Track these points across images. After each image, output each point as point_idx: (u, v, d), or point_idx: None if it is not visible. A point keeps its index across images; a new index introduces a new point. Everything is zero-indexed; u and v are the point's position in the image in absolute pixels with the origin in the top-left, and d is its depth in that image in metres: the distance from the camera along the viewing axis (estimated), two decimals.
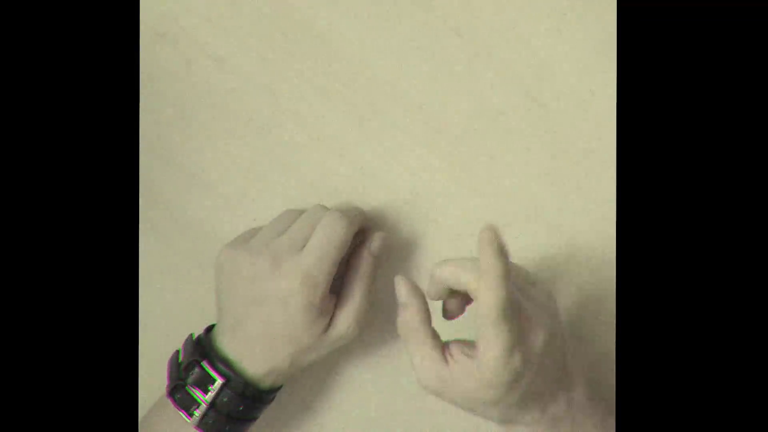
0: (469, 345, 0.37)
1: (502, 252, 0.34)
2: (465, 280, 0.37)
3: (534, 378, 0.36)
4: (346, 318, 0.41)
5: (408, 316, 0.38)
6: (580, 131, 0.44)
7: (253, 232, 0.43)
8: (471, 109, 0.45)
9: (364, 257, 0.43)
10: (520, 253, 0.45)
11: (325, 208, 0.43)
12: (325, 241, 0.40)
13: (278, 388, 0.43)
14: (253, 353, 0.40)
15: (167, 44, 0.45)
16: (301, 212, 0.43)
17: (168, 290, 0.45)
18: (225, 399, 0.39)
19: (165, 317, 0.45)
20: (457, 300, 0.40)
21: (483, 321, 0.35)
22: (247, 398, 0.40)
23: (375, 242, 0.43)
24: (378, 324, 0.46)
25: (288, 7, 0.45)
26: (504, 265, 0.34)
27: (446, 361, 0.37)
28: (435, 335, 0.38)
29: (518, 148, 0.45)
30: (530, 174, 0.45)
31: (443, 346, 0.37)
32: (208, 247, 0.45)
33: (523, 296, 0.37)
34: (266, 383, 0.41)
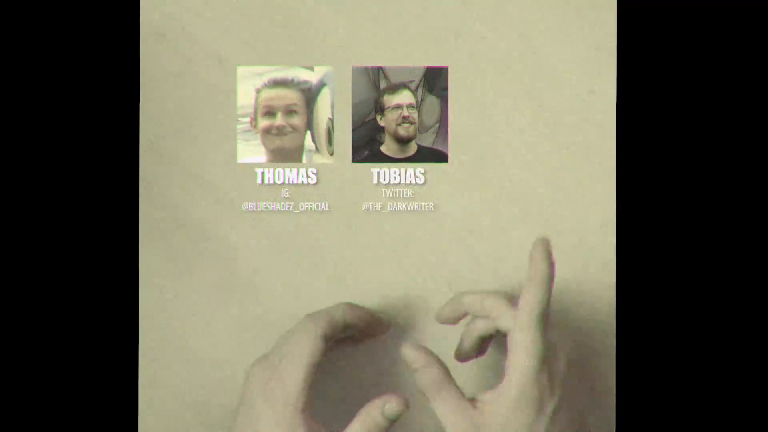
0: (494, 389, 0.37)
1: (551, 260, 0.37)
2: (490, 304, 0.38)
3: (559, 405, 0.36)
4: None
5: (434, 372, 0.38)
6: (580, 131, 0.44)
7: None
8: (471, 109, 0.45)
9: (373, 416, 0.37)
10: (520, 253, 0.45)
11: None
12: (293, 359, 0.37)
13: None
14: None
15: (167, 44, 0.45)
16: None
17: (168, 290, 0.45)
18: None
19: (165, 317, 0.45)
20: (472, 340, 0.41)
21: (520, 326, 0.36)
22: None
23: (392, 406, 0.37)
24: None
25: (288, 7, 0.45)
26: (550, 270, 0.36)
27: (475, 407, 0.37)
28: (459, 388, 0.38)
29: (518, 148, 0.45)
30: (530, 174, 0.45)
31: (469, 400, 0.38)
32: (208, 247, 0.45)
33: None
34: None
